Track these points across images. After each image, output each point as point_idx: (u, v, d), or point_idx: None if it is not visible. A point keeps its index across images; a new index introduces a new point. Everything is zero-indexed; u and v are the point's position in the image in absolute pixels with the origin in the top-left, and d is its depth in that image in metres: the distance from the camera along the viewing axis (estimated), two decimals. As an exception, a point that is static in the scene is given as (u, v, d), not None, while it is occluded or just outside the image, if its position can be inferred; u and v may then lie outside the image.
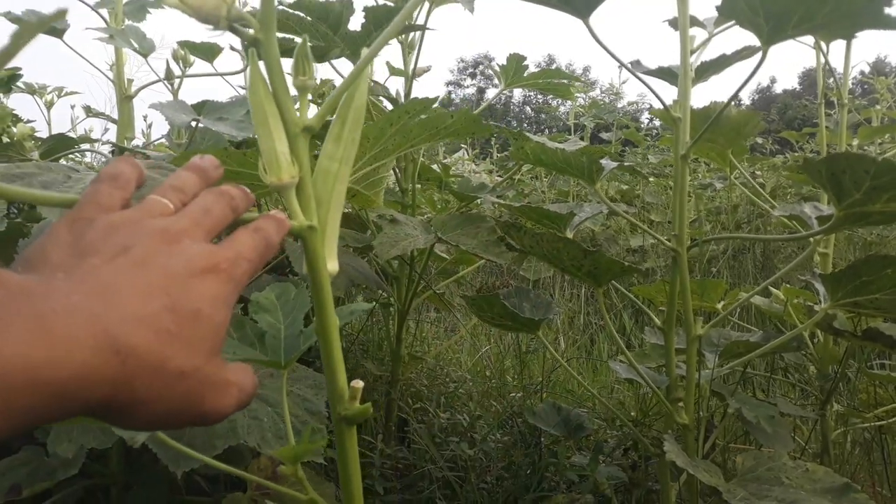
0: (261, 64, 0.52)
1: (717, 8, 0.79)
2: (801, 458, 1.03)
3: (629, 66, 1.14)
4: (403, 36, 1.71)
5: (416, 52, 1.76)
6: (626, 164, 1.16)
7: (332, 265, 0.56)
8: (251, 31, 0.51)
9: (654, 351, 1.45)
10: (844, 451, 1.45)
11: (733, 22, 1.03)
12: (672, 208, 0.99)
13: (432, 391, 1.87)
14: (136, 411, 0.37)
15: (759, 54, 0.89)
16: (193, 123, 1.09)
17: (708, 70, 1.17)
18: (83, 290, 0.36)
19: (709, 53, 1.13)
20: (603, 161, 1.02)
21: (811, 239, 1.29)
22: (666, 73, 1.23)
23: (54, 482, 1.04)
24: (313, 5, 1.30)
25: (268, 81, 0.53)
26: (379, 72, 1.87)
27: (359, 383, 0.56)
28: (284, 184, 0.52)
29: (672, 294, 1.02)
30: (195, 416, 0.40)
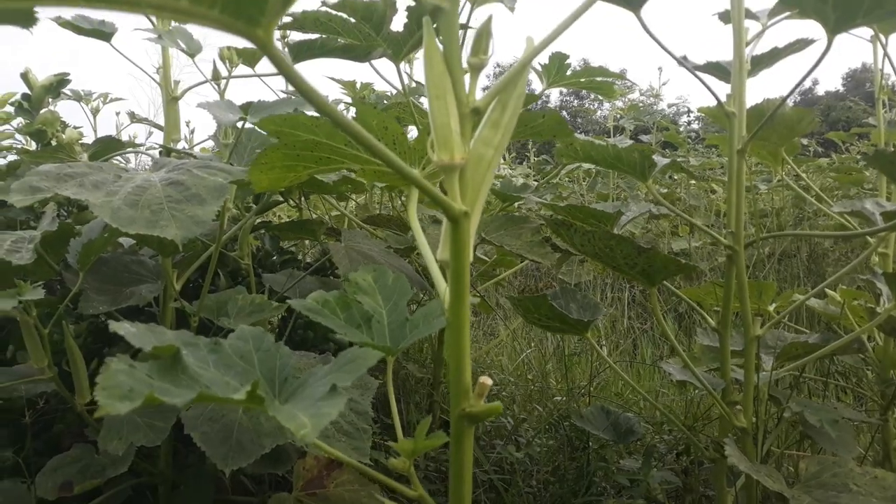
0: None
1: (779, -4, 0.76)
2: (862, 466, 0.99)
3: (679, 59, 1.11)
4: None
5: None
6: (678, 159, 1.13)
7: (471, 255, 0.54)
8: None
9: (704, 354, 1.41)
10: (905, 460, 1.39)
11: (788, 13, 1.00)
12: (728, 205, 0.96)
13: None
14: None
15: (817, 46, 0.86)
16: (240, 124, 1.09)
17: (760, 64, 1.14)
18: None
19: (759, 47, 1.09)
20: (656, 157, 0.99)
21: (870, 239, 1.25)
22: (715, 68, 1.20)
23: (104, 480, 1.05)
24: (358, 6, 1.30)
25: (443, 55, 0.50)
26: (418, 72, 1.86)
27: (488, 380, 0.53)
28: (455, 164, 0.51)
29: (728, 294, 0.98)
30: None
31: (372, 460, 1.13)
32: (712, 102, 1.04)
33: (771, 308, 1.46)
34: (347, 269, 1.36)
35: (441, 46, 0.52)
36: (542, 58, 1.74)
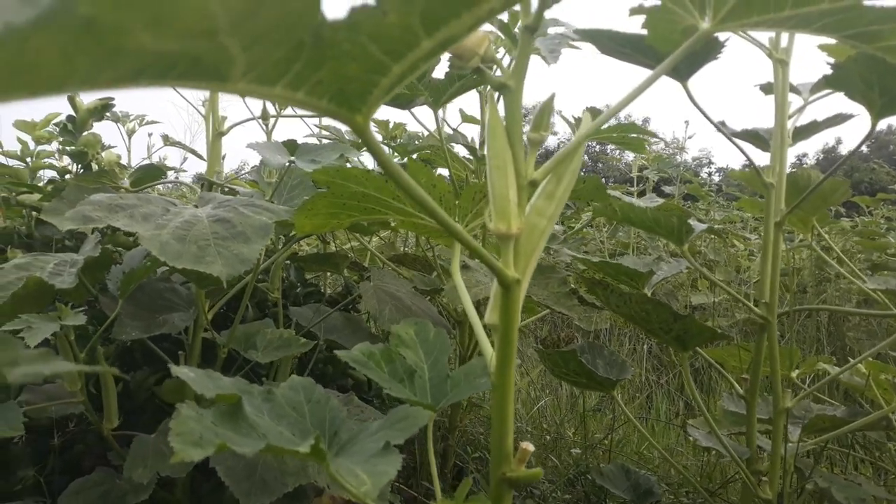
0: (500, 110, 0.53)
1: (827, 78, 0.78)
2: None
3: (718, 125, 1.13)
4: (482, 87, 1.73)
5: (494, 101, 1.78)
6: (715, 227, 1.14)
7: (519, 319, 0.56)
8: (499, 75, 0.52)
9: (725, 417, 1.40)
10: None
11: (831, 90, 1.02)
12: (762, 275, 0.97)
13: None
14: None
15: (853, 120, 0.87)
16: (286, 164, 1.11)
17: (799, 135, 1.16)
18: None
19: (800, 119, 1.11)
20: (692, 222, 1.01)
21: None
22: (753, 136, 1.22)
23: (125, 507, 1.05)
24: (403, 53, 1.33)
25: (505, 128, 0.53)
26: (451, 118, 1.90)
27: (529, 446, 0.54)
28: (512, 234, 0.53)
29: (757, 362, 0.99)
30: None
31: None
32: (737, 160, 1.06)
33: (794, 374, 1.45)
34: (375, 309, 1.37)
35: (504, 121, 0.54)
36: (576, 109, 1.77)
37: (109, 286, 1.12)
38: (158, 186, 2.61)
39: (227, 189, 1.25)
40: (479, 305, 1.61)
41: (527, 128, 0.60)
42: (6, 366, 0.28)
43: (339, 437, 0.52)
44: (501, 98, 0.56)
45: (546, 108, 0.56)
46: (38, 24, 0.13)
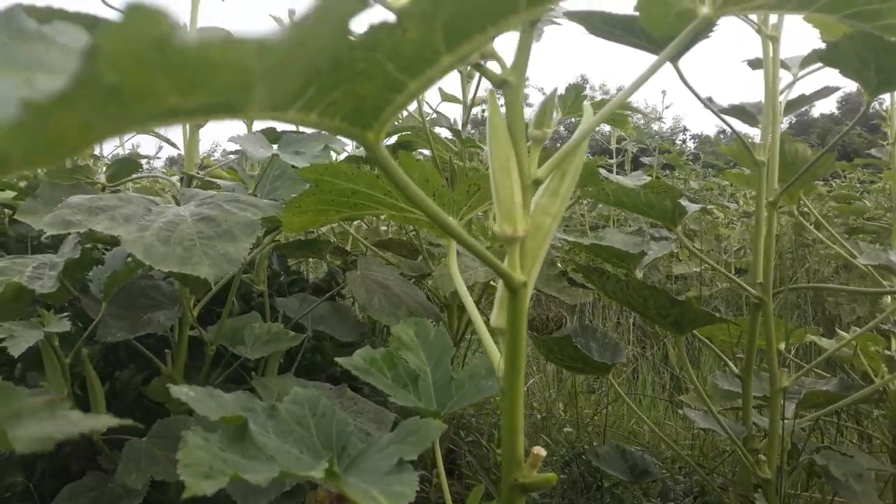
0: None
1: (821, 55, 0.77)
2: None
3: (705, 102, 1.12)
4: (462, 66, 1.70)
5: (475, 80, 1.76)
6: (707, 207, 1.14)
7: (525, 323, 0.54)
8: (499, 71, 0.49)
9: (717, 393, 1.41)
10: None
11: (821, 65, 1.01)
12: (755, 254, 0.97)
13: (480, 422, 1.84)
14: None
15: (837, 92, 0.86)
16: (269, 156, 1.09)
17: (787, 110, 1.15)
18: None
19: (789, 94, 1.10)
20: (684, 203, 1.00)
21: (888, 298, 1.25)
22: (740, 112, 1.21)
23: (119, 511, 1.04)
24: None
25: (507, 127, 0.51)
26: (430, 97, 1.86)
27: (541, 451, 0.53)
28: (518, 236, 0.51)
29: (752, 341, 0.99)
30: None
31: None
32: (711, 127, 1.05)
33: (781, 346, 1.46)
34: (364, 299, 1.35)
35: (505, 118, 0.52)
36: (550, 84, 1.76)
37: (91, 287, 1.09)
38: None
39: (205, 178, 1.22)
40: (470, 291, 1.60)
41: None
42: (8, 420, 0.26)
43: (347, 452, 0.50)
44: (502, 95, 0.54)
45: (549, 104, 0.54)
46: (62, 99, 0.11)
